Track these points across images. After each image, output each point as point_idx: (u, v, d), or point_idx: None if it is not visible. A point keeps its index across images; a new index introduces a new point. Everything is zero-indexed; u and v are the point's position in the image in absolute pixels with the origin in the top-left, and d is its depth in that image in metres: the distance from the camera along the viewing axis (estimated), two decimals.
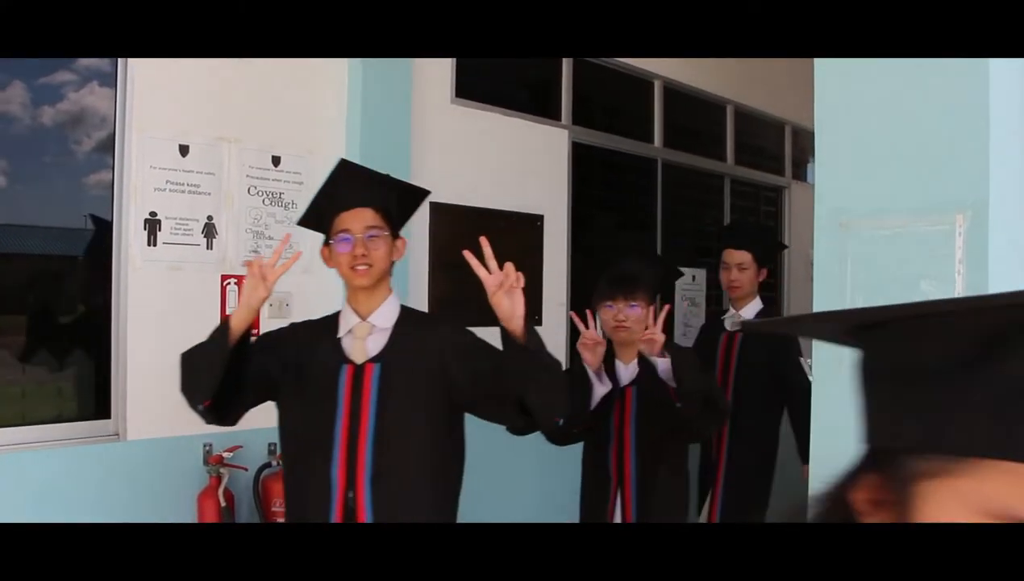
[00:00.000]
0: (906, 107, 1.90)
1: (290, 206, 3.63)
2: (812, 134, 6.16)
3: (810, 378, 2.25)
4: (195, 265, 3.37)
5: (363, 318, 2.35)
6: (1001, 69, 1.78)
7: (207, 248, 3.40)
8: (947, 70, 1.82)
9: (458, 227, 4.23)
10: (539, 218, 4.61)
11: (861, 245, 1.97)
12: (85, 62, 3.25)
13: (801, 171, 6.93)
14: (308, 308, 3.70)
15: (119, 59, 3.25)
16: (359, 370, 2.28)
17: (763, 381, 3.70)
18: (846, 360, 1.89)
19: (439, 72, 4.20)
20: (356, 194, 2.36)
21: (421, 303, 4.12)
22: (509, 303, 2.08)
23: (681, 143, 5.74)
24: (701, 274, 5.83)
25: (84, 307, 3.43)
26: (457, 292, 4.27)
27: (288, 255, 2.25)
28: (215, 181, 3.43)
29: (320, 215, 2.44)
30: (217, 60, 3.37)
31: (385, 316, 2.36)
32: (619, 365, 2.96)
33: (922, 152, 1.86)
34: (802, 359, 3.37)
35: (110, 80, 3.28)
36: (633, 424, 2.89)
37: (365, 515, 2.19)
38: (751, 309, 3.85)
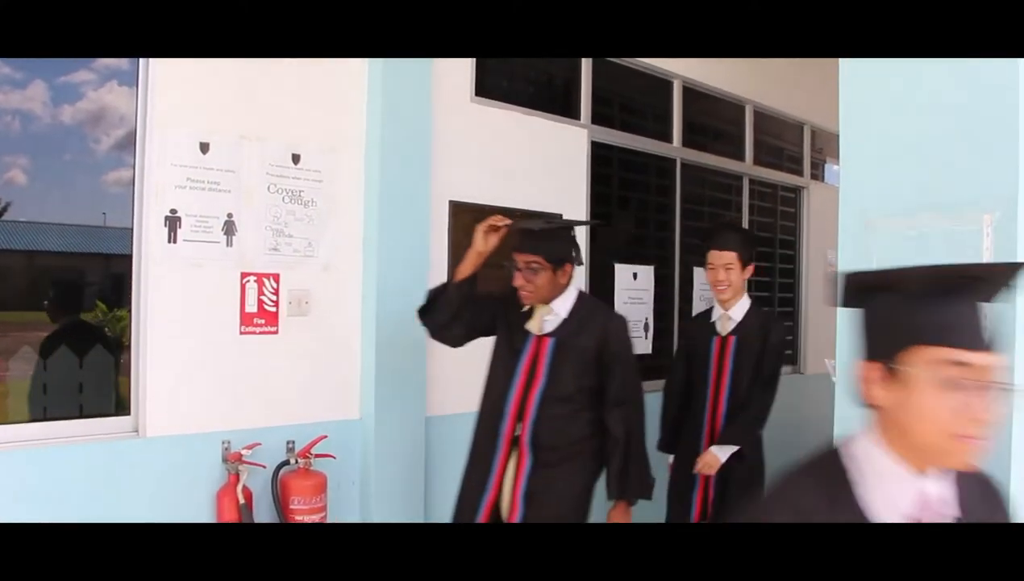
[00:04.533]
0: (932, 105, 1.87)
1: (310, 204, 3.64)
2: (831, 134, 6.17)
3: (833, 379, 2.23)
4: (215, 262, 3.38)
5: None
6: None
7: (227, 245, 3.41)
8: (974, 68, 1.80)
9: (477, 225, 4.22)
10: (558, 217, 4.60)
11: (887, 244, 1.95)
12: (105, 61, 3.26)
13: (819, 171, 6.90)
14: (326, 306, 3.71)
15: (139, 58, 3.25)
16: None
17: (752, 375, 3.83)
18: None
19: (459, 71, 4.20)
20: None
21: None
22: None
23: (700, 143, 5.71)
24: None
25: (104, 304, 3.44)
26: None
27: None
28: (235, 179, 3.43)
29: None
30: (237, 58, 3.38)
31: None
32: None
33: (949, 150, 1.84)
34: (827, 361, 3.36)
35: (130, 78, 3.29)
36: None
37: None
38: (740, 308, 3.87)
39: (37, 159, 3.17)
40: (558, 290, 3.14)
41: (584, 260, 4.76)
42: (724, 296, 3.85)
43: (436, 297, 3.17)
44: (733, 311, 3.87)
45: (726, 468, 3.68)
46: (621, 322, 3.20)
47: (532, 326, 3.14)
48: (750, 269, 3.88)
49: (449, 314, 3.14)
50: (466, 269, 3.14)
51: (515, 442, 3.09)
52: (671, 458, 4.03)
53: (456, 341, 3.28)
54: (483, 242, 3.12)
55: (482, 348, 4.20)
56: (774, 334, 3.84)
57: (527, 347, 3.14)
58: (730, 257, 3.80)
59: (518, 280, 3.11)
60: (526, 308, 3.18)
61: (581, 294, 3.23)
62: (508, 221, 3.12)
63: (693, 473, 3.78)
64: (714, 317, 3.93)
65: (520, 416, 3.09)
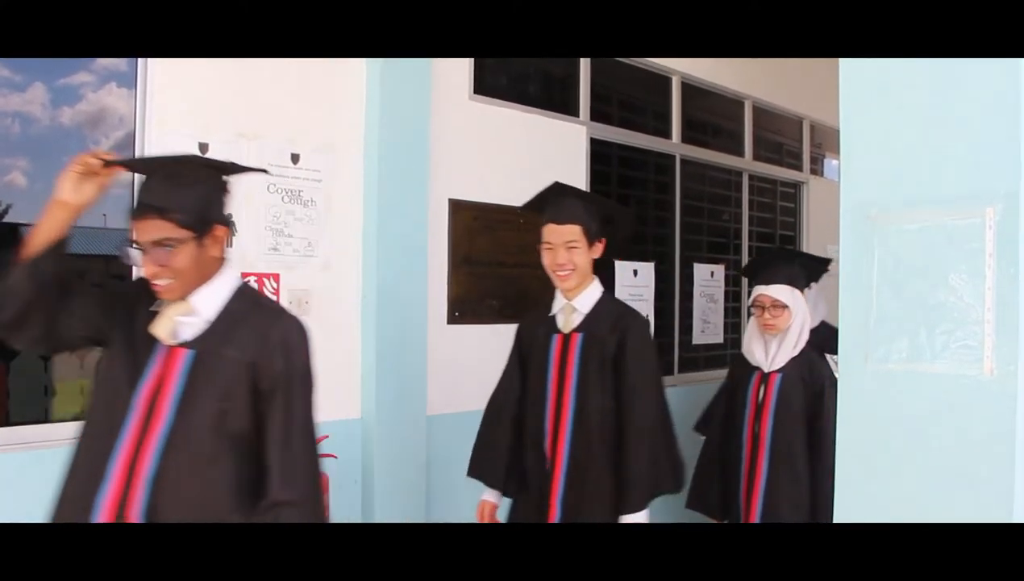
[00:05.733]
0: (934, 97, 1.87)
1: (309, 203, 3.63)
2: (830, 129, 6.16)
3: (836, 374, 2.23)
4: None
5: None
6: None
7: (226, 246, 3.39)
8: (976, 62, 1.79)
9: (476, 223, 4.23)
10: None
11: (888, 239, 1.94)
12: (103, 62, 3.26)
13: (819, 166, 6.90)
14: (327, 305, 3.71)
15: (137, 58, 3.25)
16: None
17: (605, 386, 2.92)
18: (873, 356, 1.87)
19: (458, 69, 4.20)
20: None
21: (440, 299, 4.12)
22: None
23: (699, 139, 5.71)
24: (719, 270, 5.81)
25: None
26: (476, 288, 4.27)
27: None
28: (234, 178, 3.41)
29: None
30: (236, 58, 3.37)
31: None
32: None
33: (951, 143, 1.83)
34: (828, 356, 3.37)
35: (128, 80, 3.29)
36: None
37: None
38: (588, 297, 2.99)
39: (37, 161, 3.17)
40: (208, 272, 2.06)
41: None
42: (567, 284, 2.94)
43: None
44: (579, 301, 2.97)
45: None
46: (295, 327, 2.07)
47: (160, 329, 2.00)
48: (599, 247, 2.97)
49: (18, 306, 1.95)
50: (43, 234, 1.99)
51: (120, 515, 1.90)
52: (489, 493, 3.13)
53: (39, 345, 2.09)
54: (73, 190, 1.98)
55: (492, 343, 4.20)
56: (633, 335, 2.91)
57: (151, 365, 1.98)
58: (572, 232, 2.90)
59: (146, 268, 1.99)
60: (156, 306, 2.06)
61: (245, 286, 2.16)
62: (113, 155, 2.01)
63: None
64: (555, 310, 3.03)
65: (131, 475, 1.90)
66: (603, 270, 4.90)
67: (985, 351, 1.75)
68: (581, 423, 2.89)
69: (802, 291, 3.51)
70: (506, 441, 3.07)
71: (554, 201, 3.00)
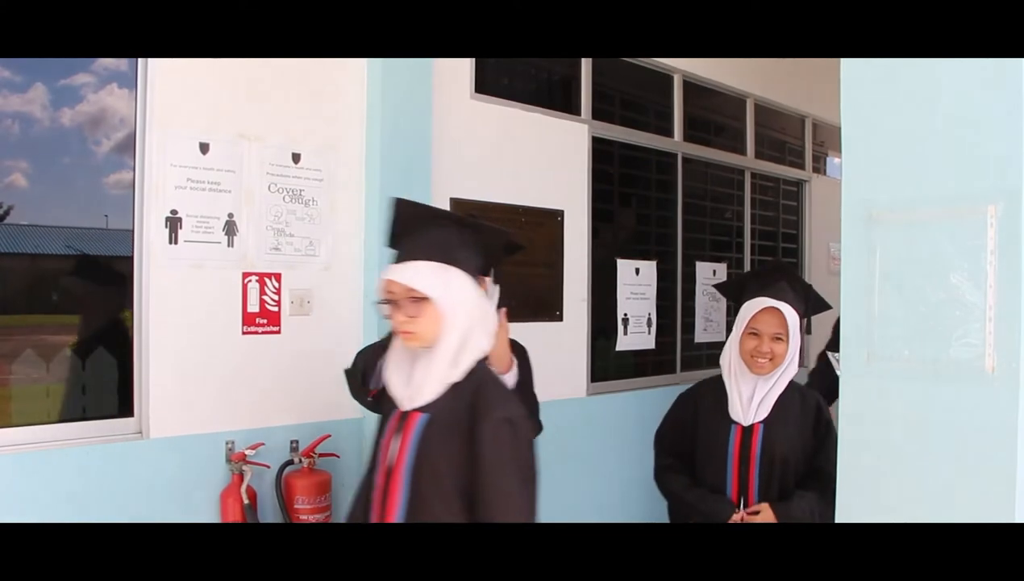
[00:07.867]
0: (936, 95, 1.87)
1: (311, 203, 3.63)
2: (832, 127, 6.13)
3: (838, 372, 2.22)
4: (216, 263, 3.37)
5: None
6: None
7: (228, 246, 3.40)
8: (978, 61, 1.79)
9: None
10: (560, 213, 4.59)
11: (890, 237, 1.94)
12: (104, 63, 3.26)
13: (821, 164, 6.90)
14: (329, 305, 3.71)
15: (138, 58, 3.25)
16: None
17: None
18: (875, 355, 1.86)
19: (459, 68, 4.19)
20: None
21: None
22: None
23: (701, 137, 5.71)
24: (722, 268, 5.81)
25: (106, 306, 3.43)
26: None
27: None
28: (236, 178, 3.42)
29: None
30: (236, 58, 3.37)
31: None
32: None
33: (953, 141, 1.83)
34: (830, 354, 3.32)
35: (129, 80, 3.28)
36: None
37: None
38: None
39: (38, 162, 3.17)
40: None
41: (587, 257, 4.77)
42: None
43: None
44: None
45: None
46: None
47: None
48: None
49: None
50: None
51: None
52: None
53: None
54: None
55: None
56: None
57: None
58: None
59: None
60: None
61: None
62: None
63: None
64: None
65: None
66: (605, 269, 4.92)
67: (987, 348, 1.75)
68: None
69: (484, 277, 2.43)
70: None
71: None
